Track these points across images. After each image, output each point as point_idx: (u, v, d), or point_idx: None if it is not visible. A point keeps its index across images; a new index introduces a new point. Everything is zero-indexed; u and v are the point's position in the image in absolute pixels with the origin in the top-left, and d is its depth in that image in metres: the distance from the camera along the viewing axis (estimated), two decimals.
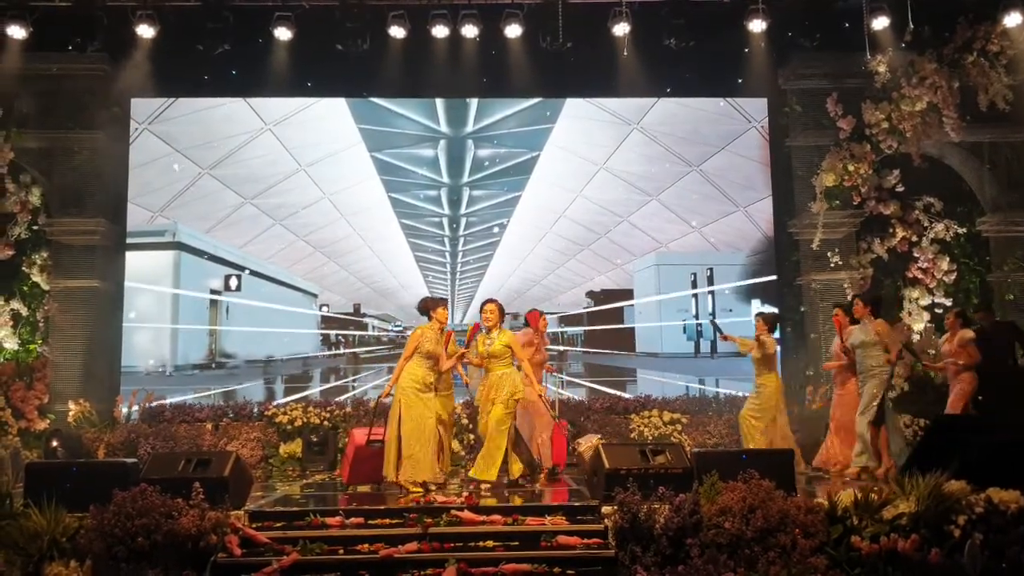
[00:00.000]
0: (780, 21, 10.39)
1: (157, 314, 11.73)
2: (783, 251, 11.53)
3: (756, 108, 11.80)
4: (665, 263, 12.41)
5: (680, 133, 12.04)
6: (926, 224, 10.95)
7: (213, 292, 12.06)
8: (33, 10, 9.96)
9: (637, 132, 12.04)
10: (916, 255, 10.89)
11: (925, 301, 10.78)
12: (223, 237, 11.99)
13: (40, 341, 10.71)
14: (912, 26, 9.85)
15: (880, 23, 10.02)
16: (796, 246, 11.25)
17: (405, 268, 12.61)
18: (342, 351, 12.56)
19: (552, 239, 12.56)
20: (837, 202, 10.77)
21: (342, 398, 11.45)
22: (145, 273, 11.60)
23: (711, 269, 12.35)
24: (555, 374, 9.79)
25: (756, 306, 11.83)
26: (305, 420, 10.30)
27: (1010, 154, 10.99)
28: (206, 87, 11.38)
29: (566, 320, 12.59)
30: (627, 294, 12.40)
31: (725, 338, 8.97)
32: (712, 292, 12.35)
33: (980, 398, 8.55)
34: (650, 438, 10.08)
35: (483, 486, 7.41)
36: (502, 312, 7.77)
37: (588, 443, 8.41)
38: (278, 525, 6.17)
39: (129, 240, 11.44)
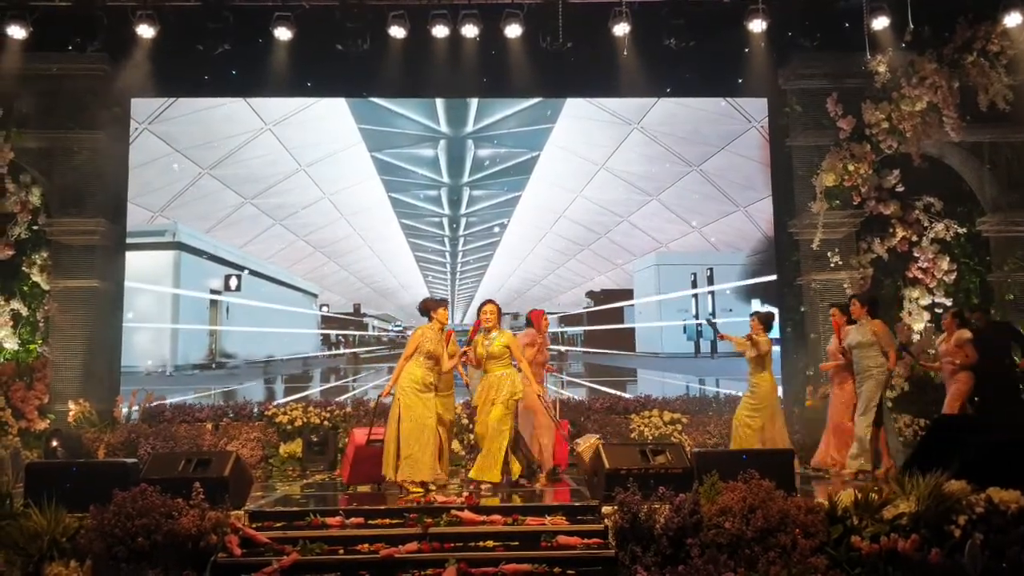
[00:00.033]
0: (780, 21, 10.40)
1: (157, 314, 11.73)
2: (783, 251, 11.53)
3: (756, 108, 11.80)
4: (665, 263, 12.41)
5: (680, 133, 12.04)
6: (926, 224, 10.96)
7: (213, 292, 12.07)
8: (33, 10, 9.96)
9: (637, 132, 12.04)
10: (916, 255, 10.89)
11: (925, 301, 10.79)
12: (223, 237, 11.99)
13: (40, 341, 10.71)
14: (912, 26, 9.85)
15: (880, 23, 10.02)
16: (796, 246, 11.25)
17: (405, 268, 12.61)
18: (342, 351, 12.56)
19: (552, 239, 12.56)
20: (837, 202, 10.77)
21: (342, 398, 11.46)
22: (145, 273, 11.60)
23: (711, 269, 12.35)
24: (556, 374, 9.78)
25: (756, 306, 11.83)
26: (305, 420, 10.30)
27: (1010, 154, 10.99)
28: (206, 87, 11.38)
29: (566, 320, 12.59)
30: (627, 294, 12.40)
31: (722, 337, 8.98)
32: (712, 292, 12.35)
33: (976, 399, 8.57)
34: (650, 438, 10.09)
35: (483, 486, 7.40)
36: (500, 313, 7.79)
37: (586, 443, 8.39)
38: (278, 525, 6.18)
39: (129, 240, 11.44)
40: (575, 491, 7.52)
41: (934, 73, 10.31)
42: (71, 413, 10.25)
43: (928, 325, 10.65)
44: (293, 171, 11.96)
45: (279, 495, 7.85)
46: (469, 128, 12.22)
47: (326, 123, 11.98)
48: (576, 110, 12.09)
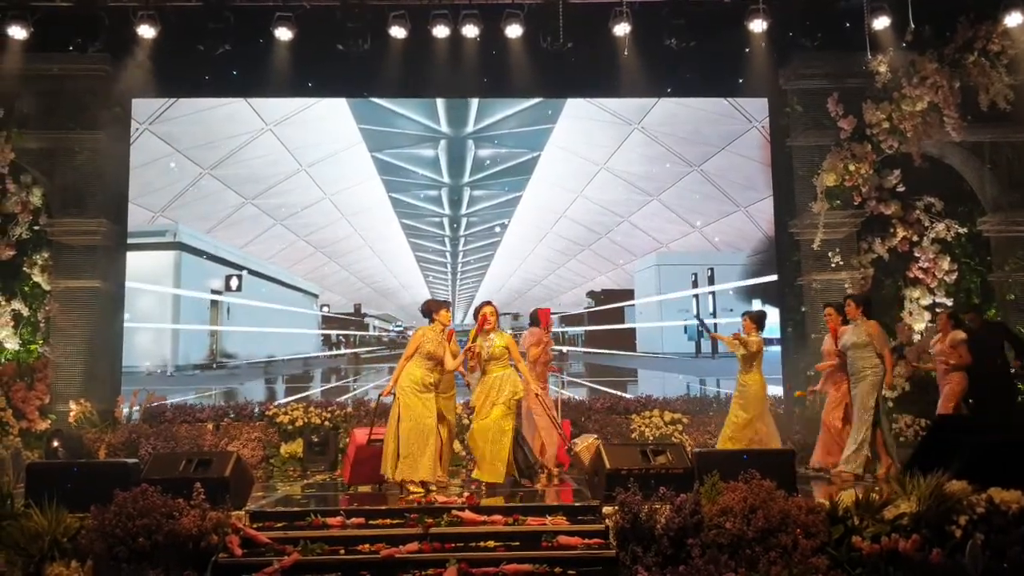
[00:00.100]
0: (781, 21, 10.40)
1: (158, 314, 11.73)
2: (784, 251, 11.52)
3: (757, 108, 11.80)
4: (666, 263, 12.41)
5: (681, 133, 12.04)
6: (927, 224, 10.95)
7: (214, 292, 12.07)
8: (34, 10, 9.96)
9: (638, 132, 12.04)
10: (917, 255, 10.88)
11: (926, 301, 10.78)
12: (224, 237, 11.99)
13: (41, 341, 10.71)
14: (913, 26, 9.85)
15: (881, 23, 10.02)
16: (797, 246, 11.25)
17: (406, 268, 12.62)
18: (343, 351, 12.56)
19: (553, 239, 12.56)
20: (838, 202, 10.76)
21: (343, 398, 11.46)
22: (146, 273, 11.60)
23: (712, 269, 12.35)
24: (557, 374, 9.79)
25: (757, 306, 11.83)
26: (306, 420, 10.31)
27: (1011, 154, 10.98)
28: (207, 87, 11.37)
29: (567, 320, 12.60)
30: (628, 294, 12.40)
31: (713, 337, 8.98)
32: (713, 292, 12.35)
33: (970, 401, 8.58)
34: (651, 438, 10.08)
35: (484, 486, 7.41)
36: (498, 314, 7.84)
37: (584, 443, 8.41)
38: (279, 525, 6.18)
39: (130, 240, 11.44)
40: (576, 491, 7.52)
41: (935, 73, 10.31)
42: (72, 413, 10.26)
43: (929, 325, 10.63)
44: (294, 171, 11.96)
45: (280, 495, 7.85)
46: (470, 128, 12.22)
47: (327, 123, 11.98)
48: (577, 110, 12.09)
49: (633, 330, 12.33)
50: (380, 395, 8.08)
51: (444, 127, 12.24)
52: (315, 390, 12.00)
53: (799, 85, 11.19)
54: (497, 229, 12.61)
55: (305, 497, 7.92)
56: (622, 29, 9.93)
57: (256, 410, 10.85)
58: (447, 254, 12.77)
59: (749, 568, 5.34)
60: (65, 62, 10.72)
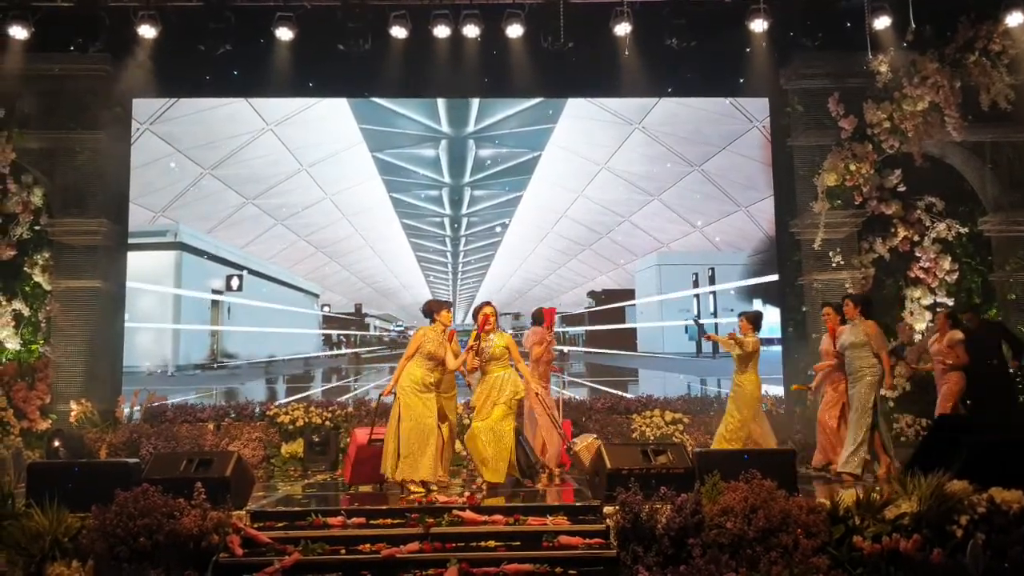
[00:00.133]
0: (782, 21, 10.39)
1: (159, 314, 11.74)
2: (785, 251, 11.52)
3: (758, 108, 11.80)
4: (667, 263, 12.41)
5: (682, 133, 12.04)
6: (928, 224, 10.94)
7: (215, 292, 12.07)
8: (35, 10, 9.97)
9: (639, 132, 12.04)
10: (918, 255, 10.88)
11: (927, 301, 10.77)
12: (225, 237, 12.00)
13: (42, 341, 10.72)
14: (914, 25, 9.85)
15: (882, 23, 10.02)
16: (798, 246, 11.24)
17: (407, 268, 12.62)
18: (344, 351, 12.57)
19: (553, 239, 12.57)
20: (839, 202, 10.76)
21: (344, 398, 11.46)
22: (147, 273, 11.61)
23: (713, 269, 12.35)
24: (558, 374, 9.78)
25: (758, 306, 11.83)
26: (307, 420, 10.31)
27: (1012, 154, 10.98)
28: (208, 87, 11.38)
29: (568, 320, 12.60)
30: (629, 294, 12.40)
31: (707, 337, 8.97)
32: (714, 292, 12.35)
33: (968, 402, 8.57)
34: (652, 438, 10.08)
35: (484, 486, 7.41)
36: (498, 314, 7.88)
37: (584, 442, 8.41)
38: (280, 525, 6.18)
39: (131, 240, 11.45)
40: (577, 491, 7.52)
41: (936, 73, 10.31)
42: (73, 413, 10.26)
43: (930, 325, 10.63)
44: (295, 171, 11.96)
45: (281, 495, 7.85)
46: (470, 128, 12.22)
47: (327, 123, 11.98)
48: (577, 110, 12.09)
49: (634, 330, 12.33)
50: (381, 395, 8.08)
51: (445, 127, 12.25)
52: (316, 390, 12.00)
53: (800, 85, 11.18)
54: (498, 229, 12.62)
55: (306, 497, 7.92)
56: (623, 29, 9.93)
57: (257, 410, 10.86)
58: (448, 254, 12.77)
59: (750, 568, 5.34)
60: (66, 62, 10.72)
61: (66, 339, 10.71)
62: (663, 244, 12.31)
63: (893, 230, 10.94)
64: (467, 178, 12.51)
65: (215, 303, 12.10)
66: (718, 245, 12.18)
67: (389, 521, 6.22)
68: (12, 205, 10.61)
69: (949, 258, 10.82)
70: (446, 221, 12.68)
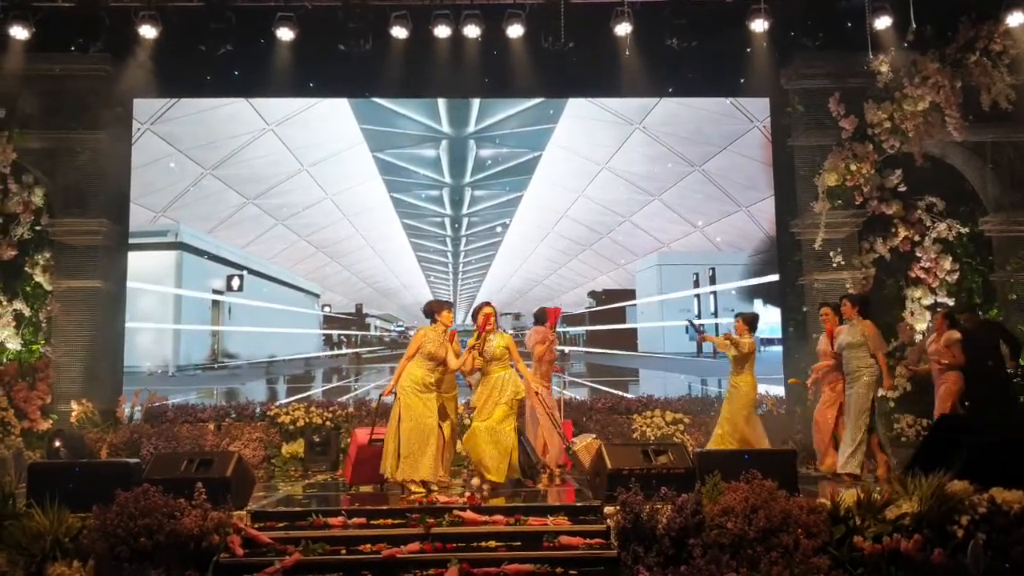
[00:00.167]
0: (782, 21, 10.39)
1: (159, 314, 11.74)
2: (785, 251, 11.52)
3: (758, 108, 11.79)
4: (667, 263, 12.41)
5: (682, 133, 12.04)
6: (928, 224, 10.94)
7: (215, 292, 12.07)
8: (36, 11, 9.97)
9: (639, 132, 12.04)
10: (919, 255, 10.87)
11: (928, 301, 10.77)
12: (225, 237, 12.00)
13: (43, 341, 10.72)
14: (914, 25, 9.86)
15: (882, 23, 10.01)
16: (798, 246, 11.24)
17: (407, 268, 12.62)
18: (344, 351, 12.57)
19: (554, 239, 12.57)
20: (839, 202, 10.76)
21: (344, 398, 11.46)
22: (147, 273, 11.61)
23: (713, 269, 12.35)
24: (559, 374, 9.79)
25: (759, 306, 11.83)
26: (307, 420, 10.31)
27: (1013, 154, 10.98)
28: (208, 87, 11.38)
29: (568, 320, 12.59)
30: (629, 294, 12.40)
31: (704, 338, 8.96)
32: (714, 292, 12.35)
33: (967, 404, 8.57)
34: (652, 438, 10.08)
35: (485, 486, 7.41)
36: (497, 314, 7.89)
37: (582, 442, 8.41)
38: (280, 525, 6.19)
39: (131, 240, 11.45)
40: (577, 491, 7.52)
41: (936, 73, 10.30)
42: (74, 413, 10.27)
43: (930, 325, 10.63)
44: (295, 171, 11.97)
45: (281, 495, 7.85)
46: (471, 128, 12.22)
47: (328, 123, 11.99)
48: (578, 110, 12.09)
49: (634, 330, 12.33)
50: (381, 395, 8.08)
51: (445, 127, 12.25)
52: (316, 390, 12.00)
53: (801, 85, 11.18)
54: (498, 229, 12.62)
55: (306, 497, 7.92)
56: (623, 29, 9.93)
57: (257, 410, 10.87)
58: (448, 254, 12.77)
59: (751, 568, 5.34)
60: (67, 62, 10.72)
61: (67, 339, 10.71)
62: (664, 244, 12.31)
63: (894, 230, 10.94)
64: (468, 178, 12.51)
65: (216, 303, 12.11)
66: (719, 245, 12.18)
67: (390, 521, 6.22)
68: (13, 205, 10.61)
69: (950, 258, 10.82)
70: (447, 221, 12.68)
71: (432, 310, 7.69)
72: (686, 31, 10.23)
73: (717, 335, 8.66)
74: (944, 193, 11.01)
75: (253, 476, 7.59)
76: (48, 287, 10.79)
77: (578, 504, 6.59)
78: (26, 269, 10.76)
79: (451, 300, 12.32)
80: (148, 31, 10.00)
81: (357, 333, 12.59)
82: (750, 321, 8.51)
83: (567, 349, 12.51)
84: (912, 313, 10.75)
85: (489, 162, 12.44)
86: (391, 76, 10.80)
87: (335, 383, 12.28)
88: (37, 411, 10.18)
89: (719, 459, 6.85)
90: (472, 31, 10.17)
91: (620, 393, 11.57)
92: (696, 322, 9.11)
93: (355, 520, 6.19)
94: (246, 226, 12.00)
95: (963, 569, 5.29)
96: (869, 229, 11.02)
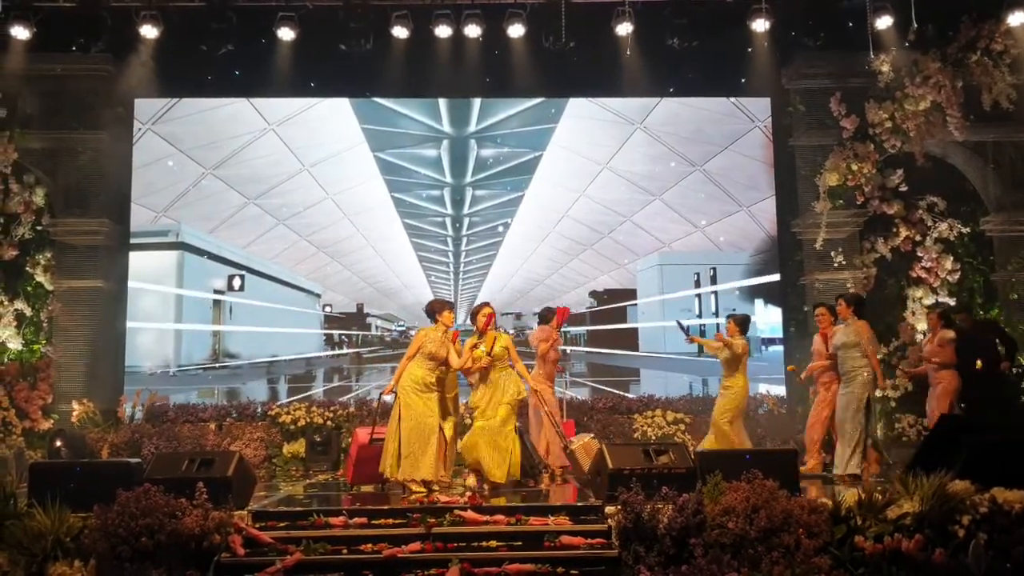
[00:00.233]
0: (783, 20, 10.39)
1: (161, 314, 11.75)
2: (786, 251, 11.51)
3: (759, 108, 11.79)
4: (668, 263, 12.41)
5: (683, 133, 12.03)
6: (930, 223, 10.93)
7: (216, 292, 12.08)
8: (37, 11, 9.97)
9: (640, 132, 12.03)
10: (920, 254, 10.86)
11: (929, 301, 10.76)
12: (226, 237, 12.00)
13: (44, 341, 10.72)
14: (916, 25, 9.85)
15: (884, 22, 10.01)
16: (799, 246, 11.24)
17: (408, 268, 12.62)
18: (345, 351, 12.57)
19: (555, 239, 12.57)
20: (840, 201, 10.75)
21: (345, 398, 11.46)
22: (148, 273, 11.61)
23: (714, 269, 12.35)
24: (560, 374, 9.79)
25: (760, 306, 11.84)
26: (308, 420, 10.31)
27: (1014, 153, 10.97)
28: (209, 87, 11.37)
29: (569, 320, 12.56)
30: (630, 294, 12.40)
31: (691, 340, 8.96)
32: (715, 292, 12.34)
33: (963, 404, 8.57)
34: (653, 438, 10.08)
35: (486, 486, 7.41)
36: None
37: (580, 441, 8.41)
38: (282, 525, 6.18)
39: (133, 240, 11.44)
40: (579, 491, 7.52)
41: (938, 72, 10.30)
42: (75, 413, 10.27)
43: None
44: (296, 171, 11.97)
45: (282, 495, 7.86)
46: (472, 128, 12.22)
47: (329, 123, 11.98)
48: (579, 110, 12.09)
49: (636, 330, 12.33)
50: (381, 394, 8.09)
51: (446, 127, 12.25)
52: (317, 390, 12.01)
53: (802, 85, 11.18)
54: (499, 229, 12.62)
55: (307, 497, 7.92)
56: (624, 29, 9.93)
57: (258, 410, 10.87)
58: (449, 254, 12.78)
59: (752, 568, 5.34)
60: (68, 62, 10.72)
61: (68, 339, 10.72)
62: (665, 244, 12.31)
63: (895, 230, 10.93)
64: (469, 178, 12.52)
65: (217, 303, 12.11)
66: (720, 245, 12.18)
67: (391, 521, 6.21)
68: (14, 205, 10.62)
69: (951, 258, 10.81)
70: (448, 221, 12.68)
71: (433, 310, 7.70)
72: (687, 31, 10.23)
73: (717, 334, 8.64)
74: (945, 193, 11.01)
75: (254, 476, 7.59)
76: (49, 287, 10.79)
77: (579, 504, 6.59)
78: (27, 269, 10.77)
79: (452, 300, 12.33)
80: (149, 31, 10.01)
81: (358, 333, 12.59)
82: (741, 322, 8.50)
83: (568, 349, 12.50)
84: (913, 313, 10.74)
85: (490, 162, 12.44)
86: (392, 76, 10.80)
87: (336, 383, 12.29)
88: (38, 411, 10.18)
89: (720, 459, 6.84)
90: (473, 31, 10.17)
91: (621, 393, 11.57)
92: (684, 323, 9.07)
93: (356, 520, 6.19)
94: (247, 226, 12.00)
95: (964, 569, 5.29)
96: (870, 229, 11.01)
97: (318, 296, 12.50)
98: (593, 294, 12.64)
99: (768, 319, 11.82)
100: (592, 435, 8.95)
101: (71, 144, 10.90)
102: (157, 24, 9.98)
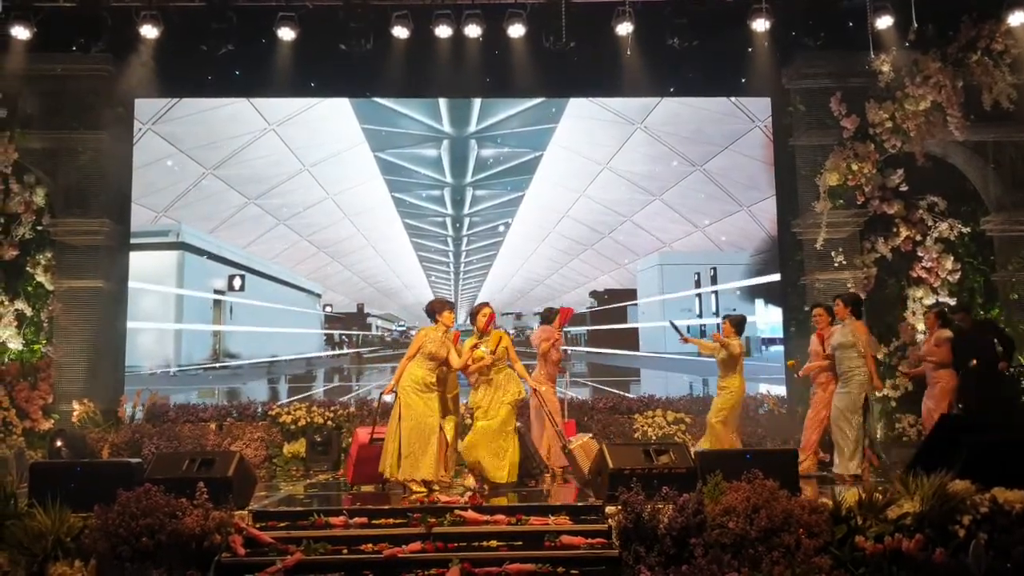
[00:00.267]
0: (784, 20, 10.38)
1: (161, 314, 11.75)
2: (787, 250, 11.51)
3: (760, 107, 11.79)
4: (669, 263, 12.41)
5: (684, 133, 12.03)
6: (930, 223, 10.93)
7: (217, 292, 12.08)
8: (37, 11, 9.97)
9: (640, 132, 12.03)
10: (920, 254, 10.86)
11: (929, 300, 10.76)
12: (227, 237, 12.01)
13: (44, 341, 10.72)
14: (916, 25, 9.85)
15: (884, 22, 10.01)
16: (800, 245, 11.23)
17: (408, 268, 12.63)
18: (346, 351, 12.58)
19: (555, 239, 12.57)
20: (841, 201, 10.75)
21: (346, 398, 11.47)
22: (149, 273, 11.62)
23: (715, 269, 12.35)
24: (561, 374, 9.79)
25: (760, 306, 11.83)
26: (309, 420, 10.30)
27: (1014, 153, 10.97)
28: (210, 87, 11.37)
29: (570, 320, 12.57)
30: (631, 294, 12.40)
31: (685, 340, 8.95)
32: (716, 292, 12.35)
33: (960, 405, 8.57)
34: (654, 438, 10.08)
35: (486, 486, 7.41)
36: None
37: (579, 441, 8.41)
38: (282, 525, 6.19)
39: (133, 240, 11.44)
40: (579, 491, 7.52)
41: (938, 72, 10.30)
42: (75, 413, 10.27)
43: None
44: (296, 171, 11.97)
45: (283, 495, 7.86)
46: (472, 128, 12.22)
47: (329, 123, 11.99)
48: (579, 110, 12.09)
49: (636, 330, 12.33)
50: (382, 394, 8.10)
51: (447, 127, 12.25)
52: (318, 390, 12.01)
53: (802, 84, 11.17)
54: (500, 229, 12.63)
55: (308, 497, 7.92)
56: (625, 29, 9.93)
57: (259, 410, 10.87)
58: (450, 254, 12.78)
59: (752, 568, 5.34)
60: (68, 62, 10.72)
61: (68, 339, 10.71)
62: (665, 244, 12.31)
63: (895, 230, 10.93)
64: (469, 178, 12.52)
65: (217, 303, 12.12)
66: (720, 245, 12.18)
67: (391, 521, 6.22)
68: (15, 205, 10.62)
69: (951, 258, 10.81)
70: (448, 221, 12.68)
71: (434, 310, 7.70)
72: (687, 31, 10.22)
73: (714, 334, 8.64)
74: (946, 193, 11.00)
75: (255, 476, 7.58)
76: (50, 287, 10.79)
77: (579, 504, 6.60)
78: (28, 269, 10.77)
79: (452, 300, 12.33)
80: (149, 31, 10.00)
81: (358, 333, 12.59)
82: (737, 323, 8.50)
83: (569, 349, 12.50)
84: (914, 313, 10.74)
85: (490, 162, 12.44)
86: (392, 76, 10.80)
87: (336, 383, 12.30)
88: (39, 411, 10.19)
89: (721, 459, 6.83)
90: (473, 31, 10.17)
91: (621, 393, 11.57)
92: (678, 323, 9.07)
93: (356, 520, 6.19)
94: (247, 226, 12.00)
95: (965, 569, 5.29)
96: (871, 229, 11.01)
97: (318, 296, 12.50)
98: (593, 294, 12.65)
99: (768, 319, 11.83)
100: (591, 435, 8.95)
101: (71, 144, 10.90)
102: (157, 24, 9.98)
